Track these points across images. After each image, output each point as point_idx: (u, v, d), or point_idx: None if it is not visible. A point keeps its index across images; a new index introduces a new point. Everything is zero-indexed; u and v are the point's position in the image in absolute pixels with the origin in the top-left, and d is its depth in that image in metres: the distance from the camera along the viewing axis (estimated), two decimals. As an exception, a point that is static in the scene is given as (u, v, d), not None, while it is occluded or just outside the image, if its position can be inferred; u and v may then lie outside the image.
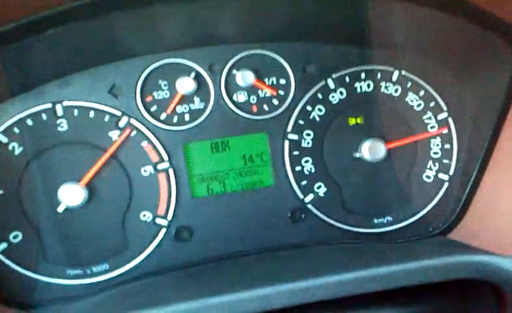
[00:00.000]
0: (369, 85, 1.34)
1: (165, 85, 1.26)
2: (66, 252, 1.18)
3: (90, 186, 1.19)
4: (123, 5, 1.03)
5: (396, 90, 1.35)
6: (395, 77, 1.35)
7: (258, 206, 1.28)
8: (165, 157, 1.24)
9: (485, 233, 1.22)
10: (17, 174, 1.16)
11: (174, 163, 1.25)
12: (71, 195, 1.16)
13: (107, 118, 1.22)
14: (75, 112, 1.20)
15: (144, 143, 1.24)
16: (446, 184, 1.36)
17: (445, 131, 1.35)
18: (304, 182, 1.31)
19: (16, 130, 1.17)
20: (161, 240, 1.24)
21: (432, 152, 1.36)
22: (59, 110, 1.19)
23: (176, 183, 1.25)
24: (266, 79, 1.31)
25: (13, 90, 1.17)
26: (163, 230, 1.24)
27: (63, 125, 1.20)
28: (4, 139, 1.17)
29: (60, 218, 1.17)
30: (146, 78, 1.24)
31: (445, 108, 1.35)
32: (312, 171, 1.31)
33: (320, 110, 1.32)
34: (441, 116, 1.35)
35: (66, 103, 1.20)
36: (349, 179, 1.32)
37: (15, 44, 1.02)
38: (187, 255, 1.24)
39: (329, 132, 1.32)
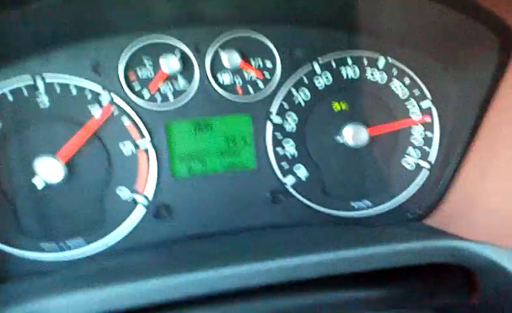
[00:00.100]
0: (354, 71, 1.34)
1: (149, 63, 1.25)
2: (42, 226, 1.17)
3: (69, 163, 1.18)
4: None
5: (381, 77, 1.35)
6: (381, 64, 1.35)
7: (239, 187, 1.28)
8: (147, 136, 1.24)
9: (461, 221, 1.23)
10: None
11: (155, 142, 1.24)
12: (50, 171, 1.15)
13: (89, 94, 1.21)
14: (57, 88, 1.19)
15: (126, 122, 1.23)
16: (425, 172, 1.37)
17: (427, 119, 1.36)
18: (285, 165, 1.31)
19: None
20: (139, 218, 1.24)
21: (413, 139, 1.36)
22: (40, 86, 1.18)
23: (157, 162, 1.24)
24: (252, 61, 1.30)
25: (-7, 64, 1.15)
26: (142, 208, 1.24)
27: (44, 101, 1.18)
28: None
29: (37, 193, 1.16)
30: (130, 56, 1.23)
31: (429, 96, 1.36)
32: (294, 154, 1.31)
33: (305, 94, 1.32)
34: (425, 104, 1.36)
35: (47, 79, 1.18)
36: (330, 163, 1.33)
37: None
38: (166, 233, 1.24)
39: (312, 116, 1.32)
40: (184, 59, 1.26)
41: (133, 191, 1.23)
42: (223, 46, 1.28)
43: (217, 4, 1.23)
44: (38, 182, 1.15)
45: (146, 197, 1.24)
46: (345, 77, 1.34)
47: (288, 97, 1.31)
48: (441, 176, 1.33)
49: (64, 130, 1.18)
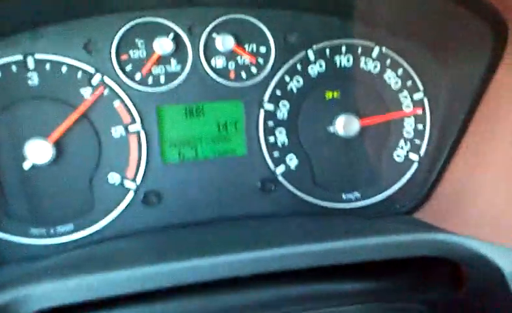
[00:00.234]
0: (348, 60, 1.33)
1: (141, 44, 1.22)
2: (30, 210, 1.16)
3: (58, 144, 1.16)
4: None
5: (375, 67, 1.34)
6: (375, 54, 1.34)
7: (229, 174, 1.28)
8: (137, 119, 1.22)
9: (450, 215, 1.24)
10: None
11: (146, 126, 1.23)
12: (38, 152, 1.13)
13: (79, 74, 1.19)
14: (47, 66, 1.17)
15: (117, 103, 1.21)
16: (416, 165, 1.37)
17: (419, 111, 1.36)
18: (276, 154, 1.31)
19: None
20: (128, 204, 1.23)
21: (404, 131, 1.37)
22: (30, 63, 1.15)
23: (147, 147, 1.23)
24: (246, 46, 1.28)
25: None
26: (131, 193, 1.23)
27: (34, 79, 1.16)
28: None
29: (25, 175, 1.15)
30: (122, 36, 1.21)
31: (421, 88, 1.36)
32: (285, 142, 1.31)
33: (298, 81, 1.31)
34: (417, 96, 1.36)
35: (38, 56, 1.16)
36: (321, 153, 1.32)
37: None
38: (155, 220, 1.24)
39: (305, 104, 1.31)
40: (177, 41, 1.23)
41: (123, 176, 1.22)
42: (217, 29, 1.26)
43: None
44: (26, 163, 1.13)
45: (135, 183, 1.23)
46: (339, 65, 1.33)
47: (281, 84, 1.30)
48: (432, 169, 1.34)
49: (53, 109, 1.16)
